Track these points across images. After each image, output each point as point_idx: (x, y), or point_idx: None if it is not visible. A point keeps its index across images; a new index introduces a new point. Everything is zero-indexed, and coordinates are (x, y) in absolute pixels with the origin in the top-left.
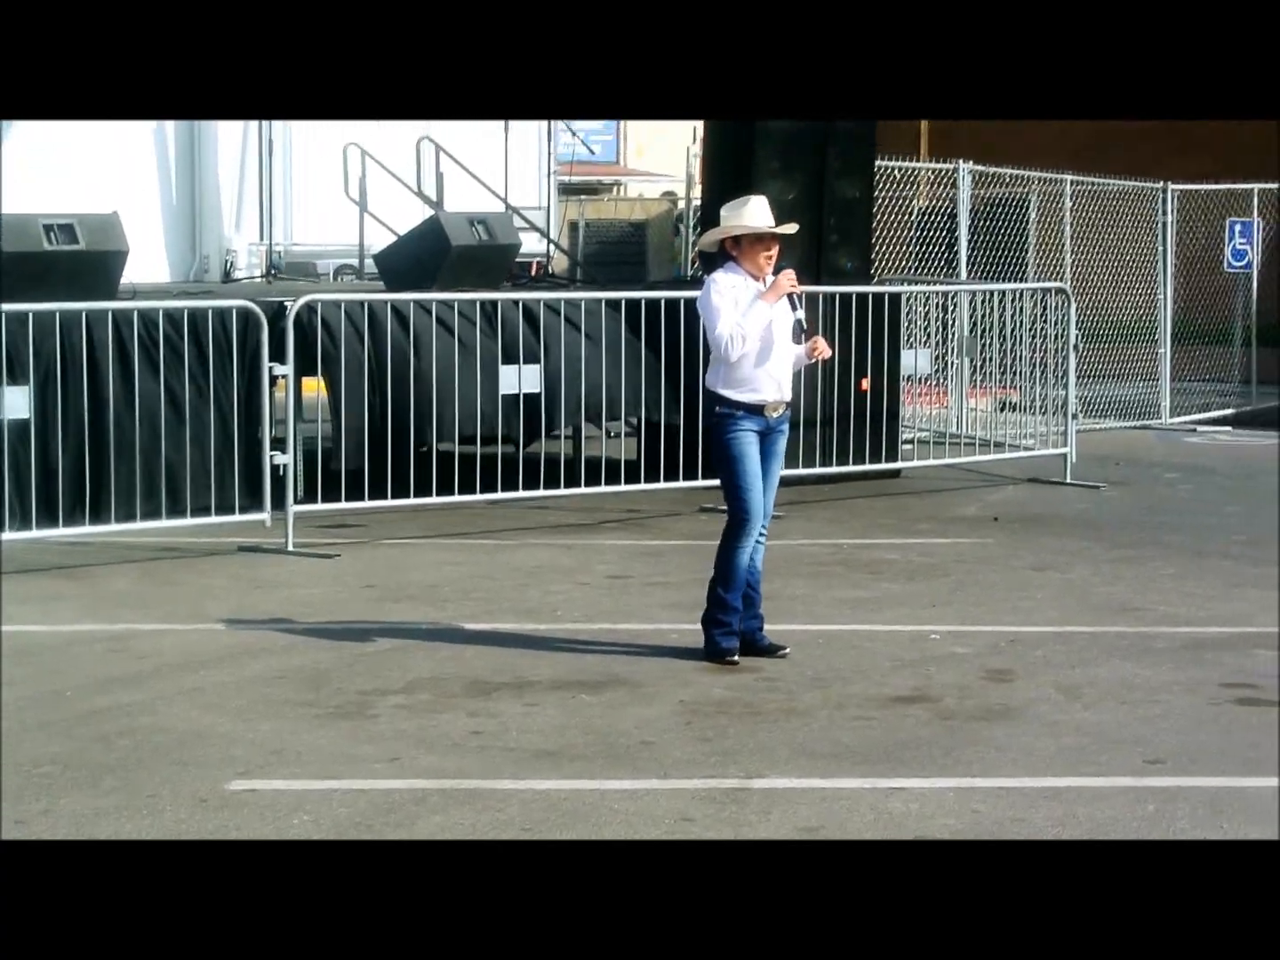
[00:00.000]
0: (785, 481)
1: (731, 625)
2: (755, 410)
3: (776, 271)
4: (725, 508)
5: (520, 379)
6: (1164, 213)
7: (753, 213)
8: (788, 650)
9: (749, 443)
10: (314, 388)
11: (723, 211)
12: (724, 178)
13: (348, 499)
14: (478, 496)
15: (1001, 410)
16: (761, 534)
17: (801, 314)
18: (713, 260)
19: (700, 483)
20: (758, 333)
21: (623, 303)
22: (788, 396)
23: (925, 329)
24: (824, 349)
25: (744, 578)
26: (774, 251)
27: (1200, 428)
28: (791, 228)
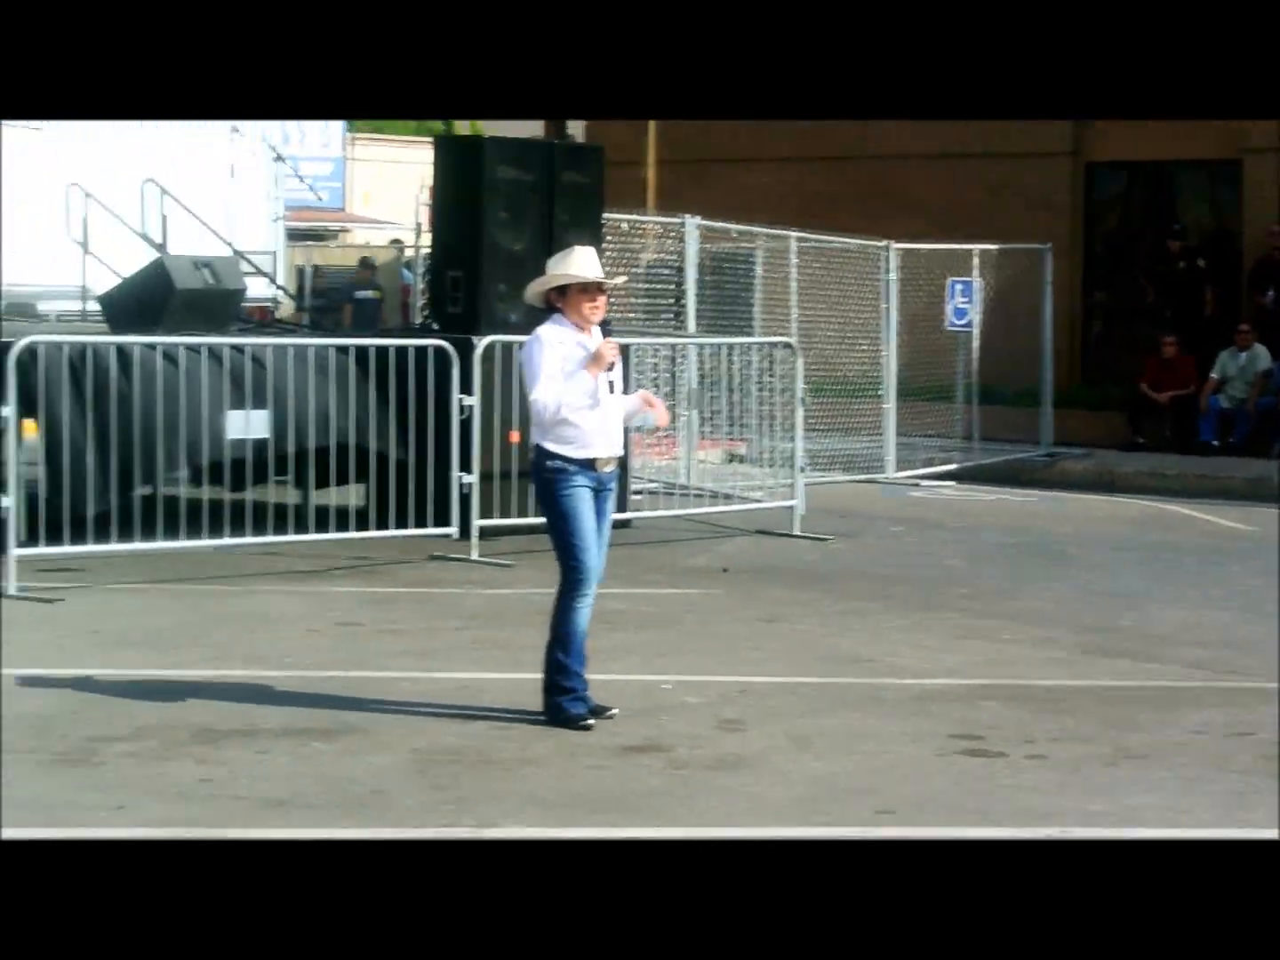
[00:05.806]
0: (509, 530)
1: (577, 690)
2: (587, 465)
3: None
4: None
5: (249, 423)
6: (887, 270)
7: (579, 262)
8: (615, 711)
9: (582, 499)
10: (33, 430)
11: (548, 264)
12: (453, 226)
13: (71, 543)
14: (204, 542)
15: (729, 462)
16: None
17: (616, 377)
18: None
19: (430, 530)
20: (586, 393)
21: (351, 349)
22: (619, 451)
23: (654, 380)
24: (663, 416)
25: (583, 641)
26: (599, 302)
27: (924, 482)
28: (619, 279)
